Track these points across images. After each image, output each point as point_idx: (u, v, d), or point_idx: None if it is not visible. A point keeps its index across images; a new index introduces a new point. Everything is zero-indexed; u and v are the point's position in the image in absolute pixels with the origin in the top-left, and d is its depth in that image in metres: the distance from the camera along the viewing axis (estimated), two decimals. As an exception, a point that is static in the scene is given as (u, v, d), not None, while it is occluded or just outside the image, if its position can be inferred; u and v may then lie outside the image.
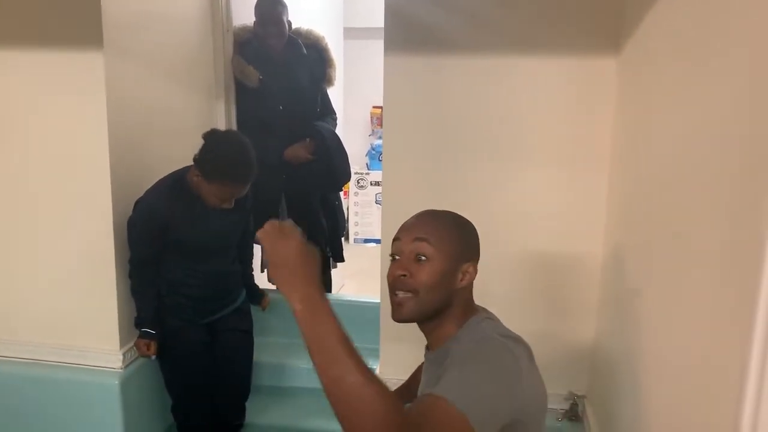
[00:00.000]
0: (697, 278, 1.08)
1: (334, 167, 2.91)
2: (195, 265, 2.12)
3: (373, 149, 5.74)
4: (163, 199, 2.03)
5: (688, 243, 1.13)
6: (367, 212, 5.55)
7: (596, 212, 1.94)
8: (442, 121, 2.00)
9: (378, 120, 5.71)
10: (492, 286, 2.03)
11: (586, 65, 1.89)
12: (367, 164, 5.77)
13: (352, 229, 5.53)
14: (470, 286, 1.19)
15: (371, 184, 5.48)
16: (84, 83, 2.00)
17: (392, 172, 2.07)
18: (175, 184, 2.05)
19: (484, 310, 1.22)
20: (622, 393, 1.59)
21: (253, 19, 2.80)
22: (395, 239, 1.18)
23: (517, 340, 1.13)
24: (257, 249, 2.57)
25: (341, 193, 3.20)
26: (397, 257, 1.17)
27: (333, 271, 3.20)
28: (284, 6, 2.77)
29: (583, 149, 1.93)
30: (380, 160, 2.23)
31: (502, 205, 2.00)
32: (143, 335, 2.12)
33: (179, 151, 2.01)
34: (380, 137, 5.22)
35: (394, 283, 1.15)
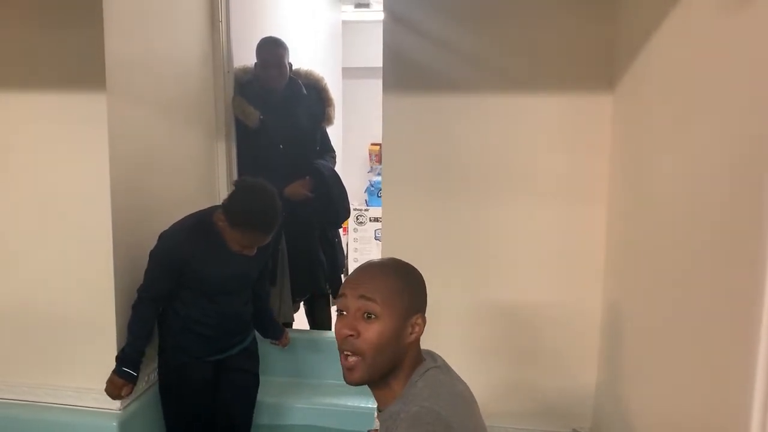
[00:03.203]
0: (700, 317, 1.08)
1: (333, 204, 2.94)
2: (210, 304, 2.12)
3: (371, 185, 5.77)
4: (185, 236, 2.05)
5: (690, 281, 1.14)
6: (367, 248, 5.54)
7: (595, 248, 1.95)
8: (441, 159, 2.03)
9: (376, 157, 5.76)
10: (491, 324, 2.04)
11: (582, 102, 1.92)
12: (365, 200, 5.80)
13: (351, 266, 5.51)
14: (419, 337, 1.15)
15: (370, 220, 5.49)
16: (86, 123, 2.03)
17: (391, 208, 2.09)
18: (198, 223, 2.08)
19: (429, 354, 1.18)
20: (627, 429, 1.57)
21: (254, 60, 2.86)
22: (340, 295, 1.14)
23: (453, 395, 1.10)
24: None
25: (340, 230, 3.21)
26: (344, 313, 1.12)
27: (333, 308, 3.19)
28: (285, 48, 2.83)
29: (581, 186, 1.94)
30: (379, 197, 2.25)
31: (502, 242, 2.01)
32: (123, 374, 2.05)
33: (181, 190, 2.02)
34: (379, 174, 5.27)
35: (342, 343, 1.11)
